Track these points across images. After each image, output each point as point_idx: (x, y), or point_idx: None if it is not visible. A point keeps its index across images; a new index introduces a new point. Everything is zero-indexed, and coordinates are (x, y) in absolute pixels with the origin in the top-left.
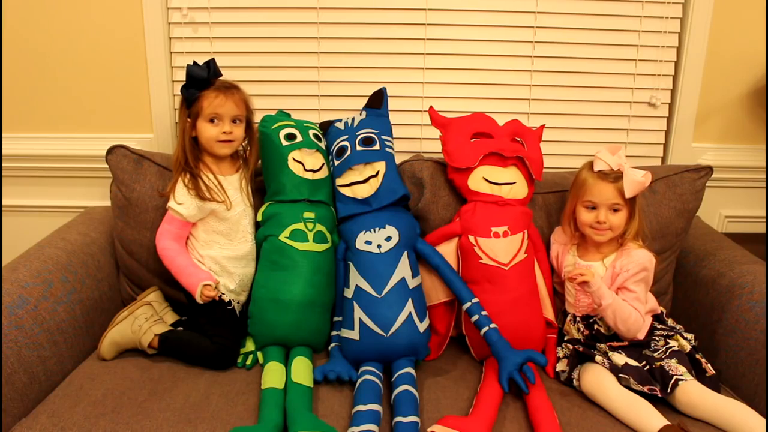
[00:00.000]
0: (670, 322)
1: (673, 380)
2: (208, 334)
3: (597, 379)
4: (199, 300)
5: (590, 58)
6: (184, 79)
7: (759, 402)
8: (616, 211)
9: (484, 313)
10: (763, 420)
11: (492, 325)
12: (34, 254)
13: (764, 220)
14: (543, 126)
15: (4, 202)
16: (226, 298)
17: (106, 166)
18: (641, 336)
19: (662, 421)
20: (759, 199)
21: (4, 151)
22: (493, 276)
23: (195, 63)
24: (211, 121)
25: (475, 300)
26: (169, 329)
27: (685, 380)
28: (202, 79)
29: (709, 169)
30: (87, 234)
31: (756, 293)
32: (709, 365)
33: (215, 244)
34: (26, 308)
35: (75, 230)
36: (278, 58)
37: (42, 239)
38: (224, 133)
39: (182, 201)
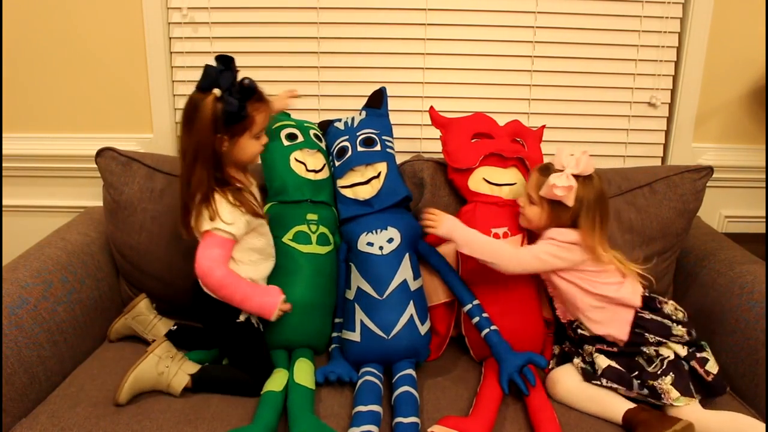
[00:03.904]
0: (668, 307)
1: (664, 406)
2: (237, 360)
3: (560, 384)
4: (273, 318)
5: (590, 58)
6: (183, 79)
7: (759, 402)
8: (531, 203)
9: (485, 315)
10: None
11: (493, 327)
12: (34, 254)
13: (764, 220)
14: (543, 126)
15: (4, 202)
16: (253, 320)
17: None
18: (594, 317)
19: (627, 404)
20: (759, 199)
21: (4, 151)
22: (493, 277)
23: (248, 78)
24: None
25: (475, 302)
26: (199, 367)
27: (678, 407)
28: (252, 91)
29: (709, 170)
30: (87, 234)
31: (756, 293)
32: (705, 368)
33: (248, 263)
34: (26, 308)
35: (75, 230)
36: (278, 58)
37: (42, 239)
38: (263, 145)
39: (232, 221)
